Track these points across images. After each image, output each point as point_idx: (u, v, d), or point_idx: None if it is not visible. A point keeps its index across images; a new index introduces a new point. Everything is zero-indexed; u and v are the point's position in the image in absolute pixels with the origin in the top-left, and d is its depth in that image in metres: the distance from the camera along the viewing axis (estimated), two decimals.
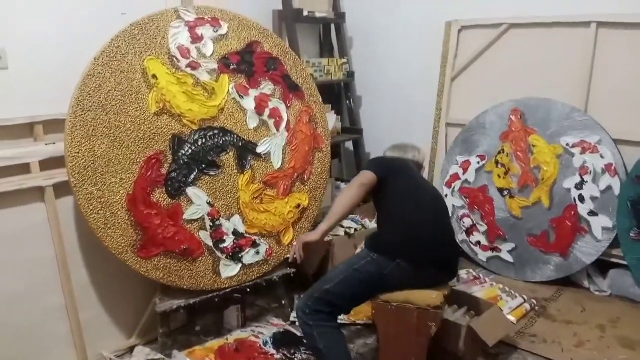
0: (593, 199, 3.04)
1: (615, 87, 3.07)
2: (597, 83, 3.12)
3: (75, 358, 2.37)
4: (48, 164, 2.32)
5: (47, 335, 2.30)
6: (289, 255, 2.32)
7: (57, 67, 2.41)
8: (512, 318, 2.75)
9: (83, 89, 2.16)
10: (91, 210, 2.17)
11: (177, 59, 2.41)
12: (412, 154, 2.55)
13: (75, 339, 2.36)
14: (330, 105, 3.76)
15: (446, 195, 3.55)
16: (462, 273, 3.26)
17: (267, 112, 2.68)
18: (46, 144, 2.34)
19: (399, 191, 2.25)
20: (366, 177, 2.22)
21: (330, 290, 2.05)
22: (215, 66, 2.52)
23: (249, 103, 2.62)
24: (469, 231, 3.49)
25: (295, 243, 2.24)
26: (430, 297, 2.10)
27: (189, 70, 2.44)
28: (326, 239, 3.12)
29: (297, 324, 2.05)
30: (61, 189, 2.31)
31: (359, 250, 2.83)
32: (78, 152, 2.14)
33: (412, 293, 2.12)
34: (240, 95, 2.59)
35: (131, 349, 2.50)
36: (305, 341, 2.10)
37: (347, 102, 4.12)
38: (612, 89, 3.08)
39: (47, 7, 2.40)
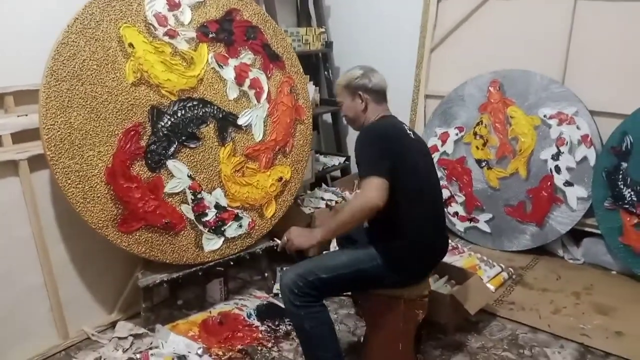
0: (569, 169, 3.10)
1: (592, 59, 3.10)
2: (575, 55, 3.15)
3: (57, 336, 2.33)
4: (20, 136, 2.23)
5: (27, 315, 2.24)
6: (277, 242, 2.14)
7: (27, 36, 2.29)
8: (490, 286, 2.81)
9: (57, 58, 2.06)
10: (69, 184, 2.10)
11: (154, 26, 2.32)
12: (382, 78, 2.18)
13: (56, 317, 2.31)
14: (308, 76, 3.70)
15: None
16: None
17: (247, 82, 2.63)
18: (18, 116, 2.24)
19: (410, 184, 1.95)
20: (380, 194, 1.80)
21: (326, 280, 1.91)
22: (194, 34, 2.44)
23: (229, 73, 2.56)
24: (446, 202, 3.53)
25: (287, 237, 2.02)
26: (418, 287, 2.09)
27: (166, 38, 2.36)
28: (307, 211, 3.13)
29: (282, 299, 1.98)
30: (36, 163, 2.22)
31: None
32: (53, 124, 2.06)
33: None
34: (219, 65, 2.52)
35: (113, 324, 2.47)
36: (289, 319, 2.00)
37: (325, 73, 4.07)
38: (589, 61, 3.12)
39: None
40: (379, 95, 2.13)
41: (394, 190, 1.85)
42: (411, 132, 2.11)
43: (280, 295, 2.67)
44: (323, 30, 3.86)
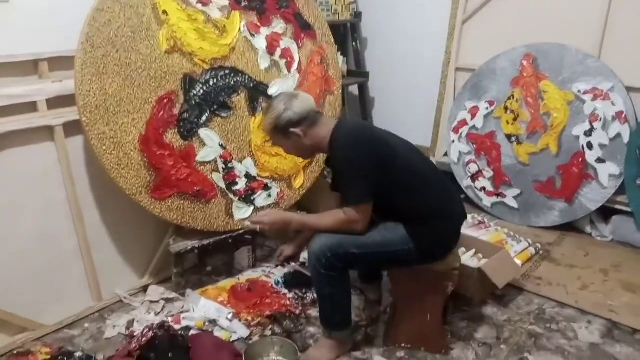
0: (601, 146, 3.05)
1: (630, 34, 3.01)
2: (613, 29, 3.06)
3: (90, 299, 2.40)
4: (54, 102, 2.25)
5: (62, 277, 2.30)
6: (247, 224, 2.09)
7: (59, 1, 2.30)
8: (517, 261, 2.80)
9: (92, 25, 2.07)
10: (104, 150, 2.13)
11: None
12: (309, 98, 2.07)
13: (90, 279, 2.37)
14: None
15: (453, 141, 3.55)
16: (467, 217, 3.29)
17: (278, 52, 2.62)
18: (53, 82, 2.27)
19: (414, 171, 2.01)
20: (364, 220, 1.93)
21: (356, 255, 1.95)
22: (227, 2, 2.43)
23: (260, 42, 2.55)
24: (474, 177, 3.50)
25: (262, 220, 2.02)
26: (448, 260, 2.10)
27: (199, 6, 2.35)
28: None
29: (307, 265, 2.04)
30: (70, 129, 2.25)
31: None
32: (89, 91, 2.08)
33: None
34: (251, 34, 2.51)
35: (144, 288, 2.53)
36: (314, 284, 2.10)
37: (353, 43, 4.03)
38: (627, 36, 3.02)
39: None
40: (312, 116, 1.99)
41: (402, 184, 1.95)
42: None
43: (307, 264, 2.73)
44: (352, 0, 3.81)
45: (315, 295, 2.37)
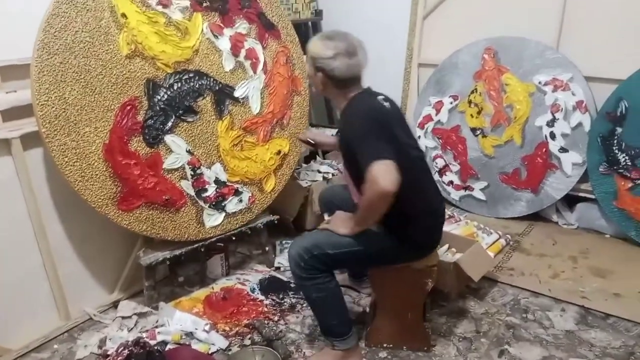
0: (564, 135, 3.12)
1: (587, 25, 3.08)
2: (570, 20, 3.13)
3: (58, 318, 2.29)
4: (9, 114, 2.13)
5: (26, 297, 2.18)
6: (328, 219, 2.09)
7: (10, 9, 2.18)
8: (490, 253, 2.83)
9: (48, 30, 1.96)
10: (66, 162, 2.03)
11: None
12: (363, 55, 1.96)
13: (57, 297, 2.26)
14: None
15: (419, 137, 3.56)
16: None
17: (243, 53, 2.55)
18: (7, 92, 2.14)
19: (403, 159, 1.79)
20: (390, 178, 1.67)
21: (333, 256, 1.90)
22: (188, 3, 2.35)
23: (224, 43, 2.48)
24: (441, 171, 3.53)
25: (331, 221, 2.02)
26: (427, 257, 2.09)
27: (159, 8, 2.26)
28: (304, 185, 3.11)
29: (290, 270, 1.98)
30: (29, 141, 2.13)
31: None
32: (47, 100, 1.97)
33: None
34: (214, 35, 2.44)
35: (115, 304, 2.43)
36: (300, 291, 2.04)
37: None
38: (584, 27, 3.09)
39: None
40: (343, 82, 1.93)
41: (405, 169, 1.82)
42: (387, 103, 2.00)
43: (281, 270, 2.69)
44: None
45: (300, 307, 2.40)
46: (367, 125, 1.82)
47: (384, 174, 1.67)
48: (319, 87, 2.01)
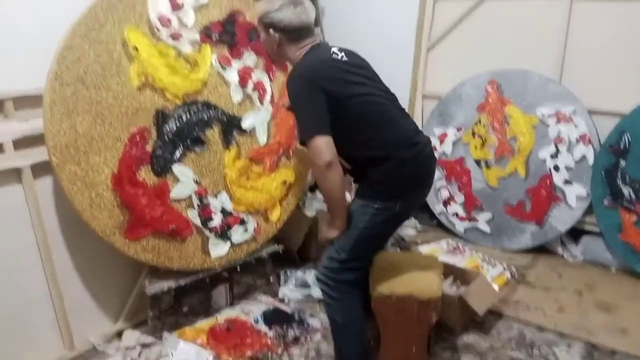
0: (568, 168, 3.13)
1: (589, 58, 3.13)
2: (572, 54, 3.18)
3: (62, 347, 2.28)
4: (21, 142, 2.16)
5: (31, 325, 2.18)
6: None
7: (25, 40, 2.22)
8: (494, 286, 2.82)
9: (61, 62, 2.01)
10: (75, 191, 2.05)
11: (157, 28, 2.28)
12: (312, 8, 1.99)
13: (61, 326, 2.26)
14: None
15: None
16: (442, 244, 3.32)
17: (250, 84, 2.59)
18: (19, 122, 2.18)
19: (356, 112, 1.88)
20: (327, 151, 1.77)
21: (348, 258, 1.95)
22: (197, 37, 2.40)
23: (232, 75, 2.53)
24: (446, 202, 3.54)
25: (324, 236, 2.04)
26: (431, 288, 2.06)
27: (170, 41, 2.32)
28: (310, 214, 3.12)
29: (320, 290, 2.05)
30: (39, 169, 2.16)
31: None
32: (59, 130, 2.01)
33: (413, 283, 2.08)
34: (223, 67, 2.49)
35: (119, 333, 2.42)
36: (328, 315, 2.07)
37: None
38: (586, 60, 3.14)
39: None
40: (295, 33, 1.95)
41: (348, 127, 1.86)
42: (342, 54, 1.98)
43: (286, 301, 2.69)
44: (318, 31, 3.84)
45: (304, 340, 2.40)
46: (300, 89, 1.86)
47: (319, 153, 1.77)
48: (274, 47, 2.00)
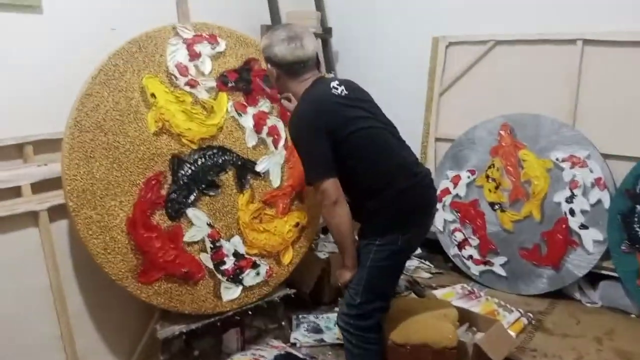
0: (583, 212, 3.10)
1: (602, 103, 3.13)
2: (585, 99, 3.19)
3: None
4: (39, 186, 2.22)
5: None
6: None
7: (44, 86, 2.30)
8: (511, 333, 2.76)
9: (80, 109, 2.07)
10: (90, 235, 2.08)
11: (175, 76, 2.35)
12: (308, 40, 2.02)
13: None
14: None
15: (437, 210, 3.57)
16: (457, 288, 3.27)
17: (265, 130, 2.64)
18: (38, 166, 2.24)
19: (356, 145, 1.94)
20: (335, 193, 1.87)
21: (362, 301, 1.97)
22: (214, 84, 2.47)
23: (248, 121, 2.57)
24: (460, 245, 3.50)
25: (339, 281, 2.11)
26: (446, 337, 2.05)
27: (187, 88, 2.38)
28: (322, 256, 3.11)
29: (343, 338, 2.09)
30: (55, 213, 2.20)
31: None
32: (76, 175, 2.05)
33: (428, 331, 2.07)
34: (238, 113, 2.54)
35: None
36: (346, 356, 2.10)
37: None
38: (599, 105, 3.15)
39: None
40: (292, 68, 2.00)
41: (349, 159, 1.92)
42: (341, 87, 2.02)
43: (297, 345, 2.66)
44: (332, 75, 3.91)
45: None
46: (304, 133, 1.95)
47: (327, 195, 1.88)
48: (273, 81, 2.11)
